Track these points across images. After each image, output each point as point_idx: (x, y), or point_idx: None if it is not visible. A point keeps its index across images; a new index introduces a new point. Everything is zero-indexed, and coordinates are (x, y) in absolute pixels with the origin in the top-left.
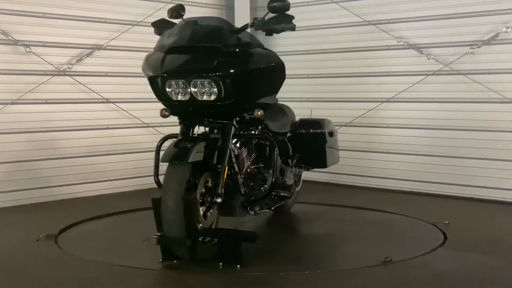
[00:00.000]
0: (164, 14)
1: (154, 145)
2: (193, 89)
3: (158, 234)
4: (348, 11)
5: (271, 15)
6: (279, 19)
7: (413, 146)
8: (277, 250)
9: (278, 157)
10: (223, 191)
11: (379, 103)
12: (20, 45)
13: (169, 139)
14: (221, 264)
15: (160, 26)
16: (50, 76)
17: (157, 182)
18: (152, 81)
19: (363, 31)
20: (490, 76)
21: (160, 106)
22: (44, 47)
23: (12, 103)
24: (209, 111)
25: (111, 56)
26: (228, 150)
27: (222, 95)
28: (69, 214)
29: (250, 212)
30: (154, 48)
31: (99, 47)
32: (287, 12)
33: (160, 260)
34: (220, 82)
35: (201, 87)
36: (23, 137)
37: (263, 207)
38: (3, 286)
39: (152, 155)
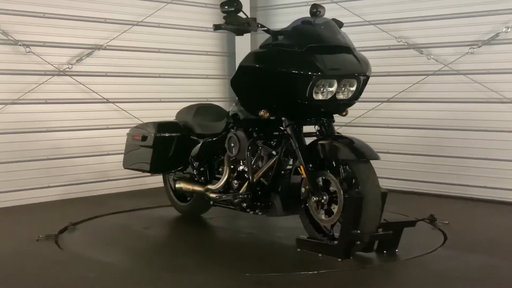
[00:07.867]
0: (164, 14)
1: None
2: (337, 89)
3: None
4: (348, 11)
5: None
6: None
7: (413, 146)
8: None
9: None
10: None
11: (379, 103)
12: (20, 45)
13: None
14: (385, 251)
15: (234, 20)
16: (50, 76)
17: (252, 182)
18: (295, 78)
19: (363, 31)
20: (490, 76)
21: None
22: (44, 47)
23: (12, 103)
24: (326, 110)
25: (111, 56)
26: None
27: (356, 95)
28: (69, 214)
29: None
30: (270, 44)
31: (99, 47)
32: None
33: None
34: (361, 82)
35: (343, 87)
36: (23, 137)
37: None
38: (3, 286)
39: None
